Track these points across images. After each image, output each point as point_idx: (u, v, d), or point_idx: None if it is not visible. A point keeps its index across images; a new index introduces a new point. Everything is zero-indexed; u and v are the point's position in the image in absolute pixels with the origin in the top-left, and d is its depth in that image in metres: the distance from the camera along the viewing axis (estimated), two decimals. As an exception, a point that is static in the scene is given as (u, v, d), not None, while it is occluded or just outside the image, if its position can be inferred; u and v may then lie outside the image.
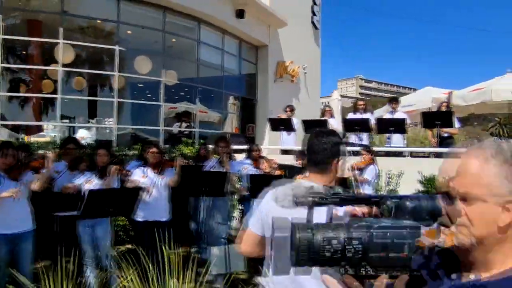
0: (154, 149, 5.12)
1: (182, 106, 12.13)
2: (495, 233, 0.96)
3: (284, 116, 9.73)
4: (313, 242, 0.87)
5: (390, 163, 7.42)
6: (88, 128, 10.07)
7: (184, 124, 10.49)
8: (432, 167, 6.81)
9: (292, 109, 9.82)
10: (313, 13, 17.23)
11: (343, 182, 6.38)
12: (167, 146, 8.66)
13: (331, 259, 0.87)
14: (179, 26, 11.38)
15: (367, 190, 6.56)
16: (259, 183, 5.20)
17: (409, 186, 6.90)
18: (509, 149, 0.98)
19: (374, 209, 0.98)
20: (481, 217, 0.97)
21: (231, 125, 13.53)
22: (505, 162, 0.98)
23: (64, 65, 9.37)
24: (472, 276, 1.01)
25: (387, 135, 8.62)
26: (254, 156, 6.51)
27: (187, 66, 11.86)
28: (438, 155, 8.14)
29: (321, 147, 2.01)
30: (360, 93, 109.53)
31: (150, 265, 3.22)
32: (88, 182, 4.71)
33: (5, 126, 9.16)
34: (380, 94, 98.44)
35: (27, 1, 9.91)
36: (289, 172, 5.97)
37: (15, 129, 9.67)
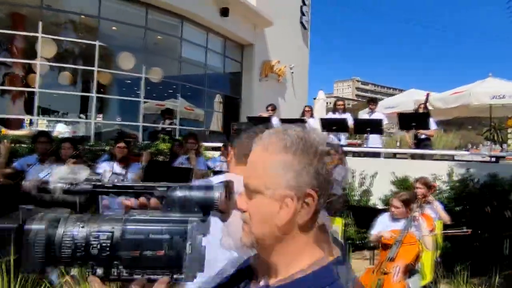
0: (121, 144, 5.14)
1: (168, 104, 12.13)
2: (275, 232, 0.82)
3: (265, 115, 9.74)
4: (51, 237, 0.72)
5: (366, 164, 7.46)
6: (67, 123, 10.02)
7: (167, 121, 10.50)
8: (406, 168, 6.88)
9: (274, 108, 9.82)
10: (302, 13, 17.28)
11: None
12: (145, 142, 8.70)
13: (73, 257, 0.72)
14: (162, 24, 11.38)
15: (335, 190, 6.58)
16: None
17: (382, 187, 6.96)
18: (297, 137, 0.85)
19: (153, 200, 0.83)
20: (259, 212, 0.83)
21: (216, 124, 13.54)
22: (286, 150, 0.84)
23: (46, 60, 9.32)
24: (261, 283, 0.87)
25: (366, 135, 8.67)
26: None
27: (171, 64, 11.83)
28: (414, 157, 8.21)
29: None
30: (356, 95, 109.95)
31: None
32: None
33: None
34: (377, 96, 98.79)
35: None
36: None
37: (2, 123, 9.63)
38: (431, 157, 8.17)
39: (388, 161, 7.85)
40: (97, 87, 9.86)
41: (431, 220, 5.12)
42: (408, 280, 4.06)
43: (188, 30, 11.94)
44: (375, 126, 8.13)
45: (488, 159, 8.05)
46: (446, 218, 5.28)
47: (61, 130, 8.76)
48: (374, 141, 8.49)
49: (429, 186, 5.43)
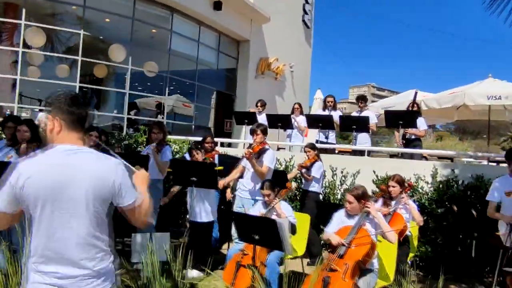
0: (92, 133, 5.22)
1: (163, 99, 12.07)
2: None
3: (253, 110, 9.49)
4: None
5: (348, 162, 7.18)
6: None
7: (159, 116, 10.50)
8: (389, 167, 6.54)
9: (263, 104, 9.57)
10: (305, 12, 17.00)
11: (283, 174, 6.18)
12: (129, 133, 8.61)
13: None
14: (151, 15, 11.25)
15: (314, 188, 6.32)
16: (180, 169, 5.02)
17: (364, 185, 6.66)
18: None
19: None
20: None
21: (208, 119, 13.34)
22: None
23: (28, 47, 9.29)
24: None
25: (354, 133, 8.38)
26: (206, 147, 6.34)
27: (160, 57, 11.69)
28: (402, 156, 7.90)
29: None
30: (372, 101, 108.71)
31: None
32: (7, 157, 4.82)
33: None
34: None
35: None
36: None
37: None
38: (420, 158, 7.84)
39: (371, 160, 7.54)
40: (90, 78, 9.82)
41: (402, 220, 4.85)
42: (360, 279, 3.77)
43: (180, 23, 11.75)
44: (361, 124, 7.83)
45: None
46: (419, 219, 5.02)
47: (43, 119, 8.63)
48: (362, 140, 8.20)
49: (403, 184, 5.18)
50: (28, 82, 9.48)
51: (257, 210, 4.81)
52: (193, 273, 5.28)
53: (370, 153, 8.26)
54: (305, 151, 6.64)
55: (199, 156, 6.03)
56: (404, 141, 7.96)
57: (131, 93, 11.06)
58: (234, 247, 4.83)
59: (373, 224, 4.04)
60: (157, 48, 11.89)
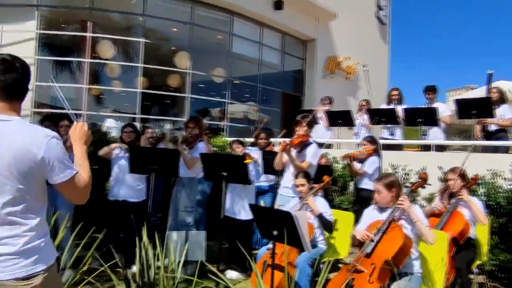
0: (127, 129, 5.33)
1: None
2: None
3: (321, 108, 9.06)
4: None
5: (410, 158, 6.45)
6: (116, 118, 10.48)
7: (207, 118, 10.75)
8: (459, 163, 5.72)
9: (329, 102, 9.12)
10: (379, 8, 16.10)
11: (327, 171, 5.68)
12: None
13: None
14: (211, 20, 11.37)
15: (366, 185, 5.72)
16: (213, 164, 4.80)
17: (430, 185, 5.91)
18: None
19: None
20: None
21: (274, 121, 13.09)
22: None
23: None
24: None
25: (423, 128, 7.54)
26: (260, 144, 6.14)
27: (225, 62, 11.75)
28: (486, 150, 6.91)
29: None
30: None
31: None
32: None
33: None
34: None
35: None
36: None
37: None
38: (506, 151, 6.80)
39: (438, 155, 6.67)
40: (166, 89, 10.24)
41: (462, 219, 4.14)
42: (393, 284, 3.18)
43: (240, 26, 11.73)
44: (428, 117, 6.99)
45: None
46: (482, 218, 4.20)
47: (109, 125, 9.16)
48: (434, 135, 7.35)
49: (465, 178, 4.43)
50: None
51: (293, 207, 4.43)
52: (232, 275, 5.03)
53: (445, 149, 7.39)
54: (361, 143, 6.11)
55: (240, 150, 5.80)
56: (484, 134, 6.99)
57: (196, 98, 11.27)
58: (264, 247, 4.49)
59: (408, 221, 3.42)
60: (220, 53, 11.98)
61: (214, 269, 3.32)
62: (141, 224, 3.90)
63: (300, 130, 4.73)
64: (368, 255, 3.26)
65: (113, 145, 5.19)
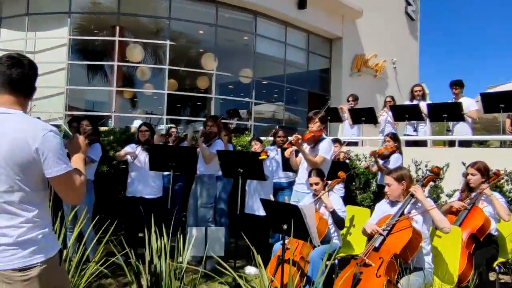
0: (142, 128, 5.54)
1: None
2: None
3: (346, 106, 9.03)
4: None
5: (433, 154, 6.33)
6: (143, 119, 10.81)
7: (235, 119, 10.81)
8: (483, 158, 5.55)
9: (355, 99, 9.05)
10: (408, 3, 15.78)
11: (345, 167, 5.64)
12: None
13: None
14: (235, 20, 11.53)
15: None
16: (230, 161, 4.89)
17: (455, 181, 5.77)
18: None
19: None
20: None
21: (303, 121, 13.08)
22: None
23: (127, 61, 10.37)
24: None
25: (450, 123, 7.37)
26: (278, 142, 6.22)
27: (251, 62, 11.89)
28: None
29: None
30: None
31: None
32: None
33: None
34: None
35: (96, 4, 11.15)
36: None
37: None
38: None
39: (463, 150, 6.49)
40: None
41: (481, 215, 4.03)
42: (403, 278, 3.15)
43: (264, 26, 11.81)
44: (453, 112, 6.84)
45: None
46: (504, 213, 4.06)
47: (137, 126, 9.42)
48: (461, 130, 7.16)
49: (486, 173, 4.30)
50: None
51: (307, 201, 4.45)
52: (251, 270, 5.10)
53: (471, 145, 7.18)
54: (384, 140, 6.06)
55: (258, 147, 5.89)
56: (512, 128, 6.77)
57: (222, 98, 11.43)
58: (279, 242, 4.54)
59: (420, 214, 3.38)
60: (246, 54, 12.11)
61: (230, 265, 3.38)
62: (157, 219, 4.02)
63: (314, 126, 4.75)
64: (376, 249, 3.25)
65: (122, 152, 5.37)
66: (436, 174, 4.00)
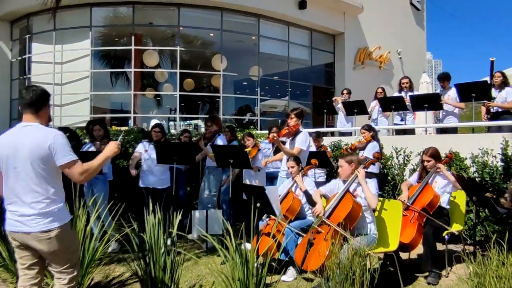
0: (156, 129, 6.43)
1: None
2: None
3: (339, 99, 9.74)
4: None
5: (412, 142, 6.99)
6: (160, 119, 11.84)
7: (248, 114, 11.55)
8: (454, 144, 6.22)
9: (348, 92, 9.77)
10: (413, -6, 16.14)
11: (323, 155, 6.42)
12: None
13: None
14: (240, 24, 12.42)
15: (369, 169, 6.42)
16: (222, 153, 5.79)
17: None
18: None
19: None
20: None
21: (308, 115, 13.80)
22: None
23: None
24: None
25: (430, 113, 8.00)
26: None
27: (257, 61, 12.75)
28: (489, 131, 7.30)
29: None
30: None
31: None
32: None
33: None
34: None
35: (113, 16, 12.28)
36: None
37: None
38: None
39: (436, 137, 7.17)
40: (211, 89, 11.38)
41: (431, 192, 4.78)
42: (349, 241, 3.97)
43: (267, 27, 12.62)
44: (432, 102, 7.50)
45: None
46: (456, 183, 4.78)
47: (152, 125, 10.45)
48: (448, 119, 7.80)
49: (438, 157, 5.05)
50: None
51: (287, 185, 5.26)
52: (247, 245, 5.99)
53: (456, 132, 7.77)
54: (361, 132, 6.79)
55: (250, 142, 6.77)
56: (488, 116, 7.34)
57: (229, 96, 12.34)
58: (264, 220, 5.39)
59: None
60: (251, 54, 12.96)
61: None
62: (166, 206, 4.91)
63: (291, 122, 5.57)
64: (326, 220, 4.09)
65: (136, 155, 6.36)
66: (377, 158, 4.80)
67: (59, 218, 2.71)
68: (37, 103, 2.80)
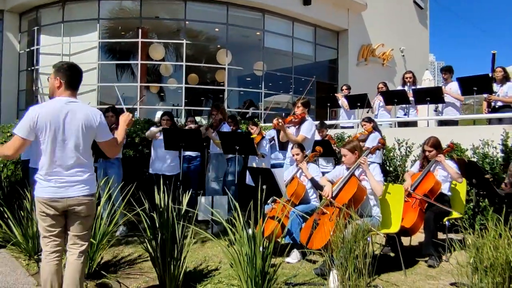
0: (165, 117, 6.60)
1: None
2: None
3: (340, 94, 9.88)
4: None
5: (414, 134, 7.12)
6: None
7: (251, 108, 11.73)
8: (454, 135, 6.36)
9: (348, 88, 9.90)
10: (416, -7, 16.30)
11: (327, 144, 6.56)
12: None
13: None
14: (245, 19, 12.60)
15: (371, 159, 6.54)
16: (228, 140, 5.94)
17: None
18: None
19: None
20: None
21: (312, 109, 13.93)
22: None
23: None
24: None
25: (434, 107, 8.10)
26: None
27: (261, 56, 12.91)
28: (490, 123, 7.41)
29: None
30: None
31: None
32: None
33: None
34: None
35: (121, 9, 12.46)
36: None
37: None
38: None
39: (437, 129, 7.30)
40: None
41: (432, 179, 4.90)
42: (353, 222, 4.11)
43: (272, 22, 12.79)
44: (435, 95, 7.62)
45: None
46: (455, 176, 4.92)
47: (159, 116, 10.59)
48: (450, 111, 7.93)
49: (439, 147, 5.17)
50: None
51: (291, 171, 5.39)
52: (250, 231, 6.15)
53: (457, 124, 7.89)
54: (361, 125, 6.93)
55: (254, 131, 6.91)
56: (489, 110, 7.47)
57: (234, 90, 12.56)
58: (269, 204, 5.53)
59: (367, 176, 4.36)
60: (256, 49, 13.11)
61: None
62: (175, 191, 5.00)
63: (297, 110, 5.70)
64: (331, 202, 4.24)
65: (154, 129, 6.45)
66: (382, 144, 4.94)
67: (94, 187, 3.05)
68: (79, 82, 3.05)
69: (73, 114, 2.88)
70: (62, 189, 2.87)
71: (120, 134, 3.16)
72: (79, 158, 2.90)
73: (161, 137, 6.27)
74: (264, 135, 6.93)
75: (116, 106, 6.31)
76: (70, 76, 2.96)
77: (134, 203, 4.08)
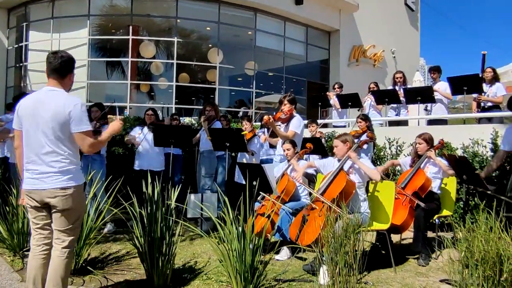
0: (149, 112, 6.58)
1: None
2: None
3: (332, 93, 9.87)
4: None
5: (405, 133, 7.13)
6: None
7: (242, 108, 11.75)
8: (444, 134, 6.37)
9: (340, 86, 9.90)
10: (407, -5, 16.42)
11: (317, 141, 6.54)
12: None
13: None
14: (237, 18, 12.57)
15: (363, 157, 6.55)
16: (219, 136, 5.88)
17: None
18: None
19: None
20: None
21: (303, 109, 13.94)
22: None
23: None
24: None
25: (423, 106, 8.13)
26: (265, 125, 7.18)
27: (252, 56, 12.88)
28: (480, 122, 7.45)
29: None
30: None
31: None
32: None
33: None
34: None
35: (112, 6, 12.35)
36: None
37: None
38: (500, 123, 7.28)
39: (427, 128, 7.30)
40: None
41: (423, 176, 4.89)
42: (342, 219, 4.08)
43: (264, 22, 12.78)
44: (425, 95, 7.65)
45: None
46: (445, 168, 4.92)
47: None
48: (438, 111, 7.95)
49: (431, 142, 5.17)
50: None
51: (282, 167, 5.36)
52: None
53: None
54: (357, 122, 6.91)
55: (247, 126, 6.86)
56: (479, 110, 7.52)
57: (225, 89, 12.47)
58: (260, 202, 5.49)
59: (356, 170, 4.33)
60: (247, 48, 13.10)
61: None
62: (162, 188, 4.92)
63: (284, 108, 5.67)
64: (320, 196, 4.20)
65: (129, 138, 6.43)
66: (371, 138, 4.92)
67: (76, 178, 2.89)
68: (64, 69, 2.94)
69: (47, 102, 2.81)
70: (38, 181, 2.81)
71: (105, 134, 3.06)
72: (53, 147, 2.79)
73: (145, 137, 6.26)
74: (256, 133, 6.89)
75: (112, 105, 6.27)
76: (51, 63, 2.90)
77: (122, 200, 4.02)
